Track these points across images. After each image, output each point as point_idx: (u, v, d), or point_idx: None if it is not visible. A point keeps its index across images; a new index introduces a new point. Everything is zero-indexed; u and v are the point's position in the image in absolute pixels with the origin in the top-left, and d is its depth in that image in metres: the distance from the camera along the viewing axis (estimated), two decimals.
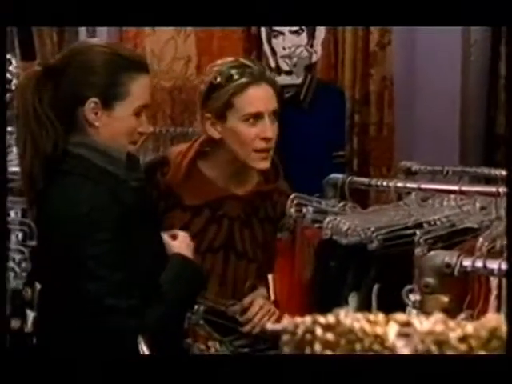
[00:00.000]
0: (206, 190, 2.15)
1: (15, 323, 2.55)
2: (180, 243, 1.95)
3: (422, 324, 0.75)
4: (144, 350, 1.71)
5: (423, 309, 1.40)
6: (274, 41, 3.80)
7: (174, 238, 1.97)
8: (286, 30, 3.71)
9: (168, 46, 4.15)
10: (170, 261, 1.91)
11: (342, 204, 2.13)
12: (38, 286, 2.30)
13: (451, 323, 0.75)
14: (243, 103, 2.08)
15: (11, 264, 2.56)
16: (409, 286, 1.53)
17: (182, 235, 1.98)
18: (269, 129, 2.08)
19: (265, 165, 2.11)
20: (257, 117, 2.08)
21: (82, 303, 1.80)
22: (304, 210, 2.08)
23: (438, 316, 0.76)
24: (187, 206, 2.14)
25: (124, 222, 1.81)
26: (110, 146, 1.89)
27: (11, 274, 2.56)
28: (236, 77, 2.08)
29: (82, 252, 1.78)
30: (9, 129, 3.13)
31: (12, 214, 2.57)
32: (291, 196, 2.10)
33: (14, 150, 2.57)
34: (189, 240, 1.98)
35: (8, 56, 3.84)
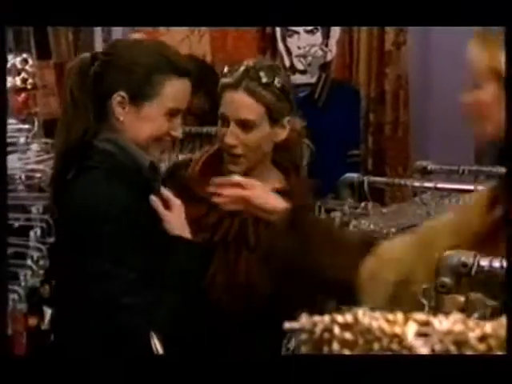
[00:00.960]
0: None
1: (32, 321, 2.56)
2: (175, 216, 1.90)
3: (442, 324, 0.75)
4: (157, 347, 1.70)
5: (439, 309, 1.39)
6: (288, 40, 3.81)
7: (168, 207, 1.90)
8: (300, 29, 3.72)
9: (182, 46, 4.15)
10: (173, 246, 1.87)
11: (363, 204, 2.13)
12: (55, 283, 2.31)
13: (470, 323, 0.75)
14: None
15: (29, 262, 2.57)
16: (424, 286, 1.52)
17: (177, 205, 1.91)
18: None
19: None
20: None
21: (98, 301, 1.80)
22: (332, 214, 2.07)
23: (457, 316, 0.76)
24: (204, 199, 2.13)
25: (143, 220, 1.81)
26: (135, 147, 1.89)
27: (28, 272, 2.58)
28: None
29: (100, 249, 1.78)
30: (26, 126, 3.15)
31: (33, 209, 2.57)
32: (318, 203, 2.07)
33: (33, 147, 2.59)
34: (182, 210, 1.92)
35: (24, 55, 3.86)
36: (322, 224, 1.96)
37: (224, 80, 2.11)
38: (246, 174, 2.10)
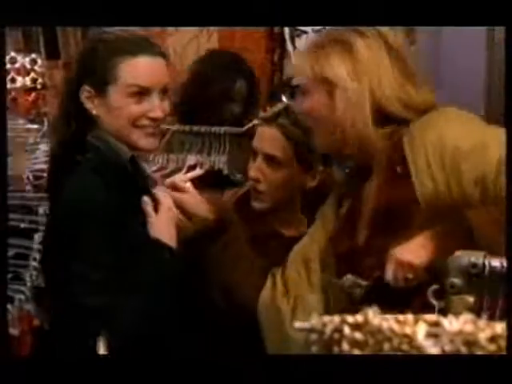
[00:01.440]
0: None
1: (37, 321, 2.57)
2: (160, 219, 1.83)
3: (452, 324, 0.74)
4: (101, 349, 1.63)
5: (449, 309, 1.39)
6: (297, 40, 3.80)
7: (157, 208, 1.84)
8: (309, 29, 3.71)
9: (191, 45, 4.15)
10: (147, 249, 1.80)
11: None
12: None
13: (481, 323, 0.75)
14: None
15: (33, 263, 2.58)
16: (434, 286, 1.52)
17: (165, 208, 1.84)
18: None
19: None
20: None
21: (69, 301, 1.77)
22: None
23: (468, 316, 0.76)
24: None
25: (118, 218, 1.77)
26: (115, 141, 1.86)
27: (34, 273, 2.58)
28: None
29: (71, 247, 1.76)
30: (35, 126, 3.16)
31: (40, 210, 2.58)
32: None
33: (42, 147, 2.59)
34: (172, 212, 1.86)
35: (33, 55, 3.87)
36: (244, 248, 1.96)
37: (261, 114, 2.14)
38: (270, 214, 2.09)
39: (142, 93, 1.84)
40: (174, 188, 1.91)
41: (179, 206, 1.88)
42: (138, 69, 1.85)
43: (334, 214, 1.91)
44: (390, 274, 1.64)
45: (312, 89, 1.79)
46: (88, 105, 1.86)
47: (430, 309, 1.45)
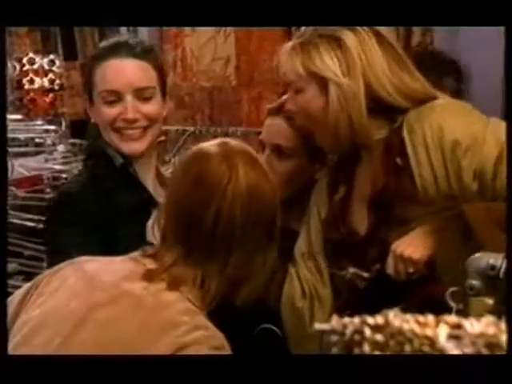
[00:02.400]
0: None
1: None
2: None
3: (474, 326, 0.74)
4: None
5: (468, 311, 1.39)
6: None
7: None
8: None
9: (208, 46, 4.16)
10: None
11: None
12: None
13: (503, 325, 0.74)
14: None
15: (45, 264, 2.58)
16: (452, 288, 1.52)
17: None
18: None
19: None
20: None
21: None
22: None
23: (490, 318, 0.75)
24: None
25: (107, 221, 1.81)
26: (108, 147, 1.91)
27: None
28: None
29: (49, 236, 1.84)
30: (53, 127, 3.17)
31: None
32: None
33: (60, 148, 2.61)
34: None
35: (51, 56, 3.90)
36: None
37: (268, 106, 2.11)
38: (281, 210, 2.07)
39: (113, 96, 1.86)
40: None
41: None
42: (106, 73, 1.88)
43: (328, 199, 1.90)
44: (391, 267, 1.66)
45: (304, 86, 1.78)
46: (89, 113, 1.93)
47: (432, 303, 1.45)
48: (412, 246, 1.65)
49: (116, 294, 1.39)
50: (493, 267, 1.45)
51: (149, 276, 1.42)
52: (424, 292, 1.66)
